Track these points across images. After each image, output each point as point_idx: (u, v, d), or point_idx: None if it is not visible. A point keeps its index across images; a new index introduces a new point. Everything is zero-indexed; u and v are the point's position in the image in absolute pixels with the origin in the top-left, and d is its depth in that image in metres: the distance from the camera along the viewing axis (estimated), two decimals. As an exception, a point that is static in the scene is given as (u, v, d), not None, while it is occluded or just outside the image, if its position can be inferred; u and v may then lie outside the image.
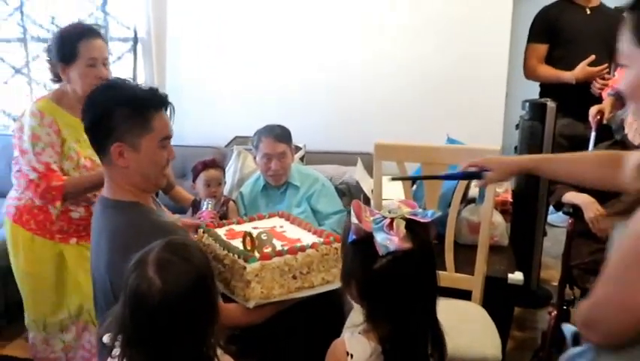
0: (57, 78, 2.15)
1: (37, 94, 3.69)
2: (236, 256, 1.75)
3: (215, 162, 2.78)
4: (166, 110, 1.58)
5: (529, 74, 3.31)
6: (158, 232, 1.45)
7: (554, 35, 3.23)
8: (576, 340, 1.15)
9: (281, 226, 2.06)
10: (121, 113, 1.50)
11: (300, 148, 3.19)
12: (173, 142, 2.95)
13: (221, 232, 2.03)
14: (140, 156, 1.53)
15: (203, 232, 2.02)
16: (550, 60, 3.26)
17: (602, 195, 2.46)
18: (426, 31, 3.34)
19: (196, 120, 3.60)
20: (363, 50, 3.40)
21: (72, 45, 2.01)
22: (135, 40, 3.47)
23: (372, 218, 1.17)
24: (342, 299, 2.46)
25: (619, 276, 0.97)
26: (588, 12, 3.22)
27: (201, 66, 3.60)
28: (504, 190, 3.20)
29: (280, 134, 2.63)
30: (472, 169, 1.72)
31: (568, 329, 1.20)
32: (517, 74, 3.36)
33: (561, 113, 3.14)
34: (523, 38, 3.31)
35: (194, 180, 2.72)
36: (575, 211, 2.44)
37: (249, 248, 1.79)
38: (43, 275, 2.20)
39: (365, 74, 3.43)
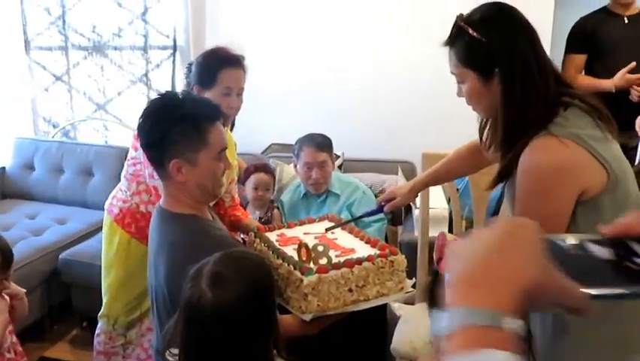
0: None
1: (76, 101, 3.76)
2: (292, 266, 1.77)
3: (266, 167, 2.85)
4: (219, 119, 1.61)
5: (568, 84, 3.30)
6: (218, 246, 1.48)
7: (592, 46, 3.22)
8: None
9: (332, 232, 2.08)
10: (177, 130, 1.53)
11: (338, 156, 3.22)
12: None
13: (272, 236, 2.04)
14: (197, 170, 1.56)
15: (255, 237, 2.05)
16: (590, 71, 3.26)
17: None
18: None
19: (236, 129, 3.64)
20: (404, 55, 3.40)
21: (213, 71, 2.01)
22: (174, 48, 3.52)
23: None
24: (386, 311, 2.49)
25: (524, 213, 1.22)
26: (626, 21, 3.21)
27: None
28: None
29: (321, 142, 2.67)
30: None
31: None
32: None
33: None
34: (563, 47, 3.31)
35: (243, 183, 2.79)
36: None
37: (304, 259, 1.81)
38: (130, 276, 2.23)
39: (404, 80, 3.43)
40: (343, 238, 2.04)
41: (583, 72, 3.29)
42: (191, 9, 3.49)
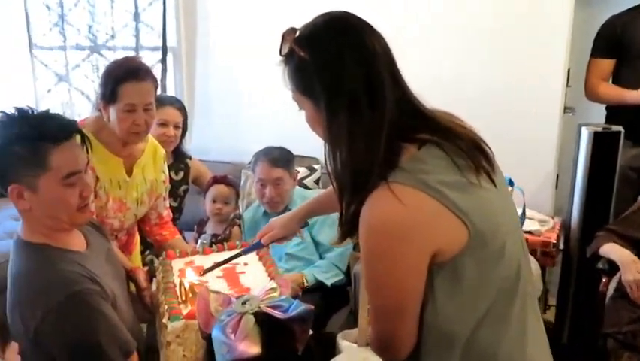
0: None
1: (75, 102, 3.73)
2: (165, 307, 1.56)
3: (226, 179, 2.64)
4: (68, 140, 1.40)
5: (590, 93, 2.85)
6: (56, 285, 1.36)
7: (622, 50, 2.75)
8: None
9: (245, 264, 1.84)
10: (12, 151, 1.36)
11: (315, 170, 2.95)
12: (196, 155, 2.90)
13: (179, 263, 1.86)
14: (40, 196, 1.38)
15: (159, 264, 1.86)
16: (618, 79, 2.80)
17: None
18: (467, 45, 2.96)
19: (222, 134, 3.47)
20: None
21: (113, 86, 1.81)
22: (164, 49, 3.38)
23: (221, 311, 0.92)
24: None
25: (374, 286, 1.03)
26: (665, 21, 2.71)
27: (231, 77, 3.45)
28: (549, 228, 2.78)
29: (277, 158, 2.41)
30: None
31: None
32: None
33: (630, 141, 2.67)
34: (587, 52, 2.87)
35: (204, 195, 2.62)
36: (612, 268, 2.01)
37: (183, 299, 1.60)
38: None
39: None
40: (252, 272, 1.80)
41: (610, 80, 2.82)
42: (183, 9, 3.34)
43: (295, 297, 1.09)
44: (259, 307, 0.93)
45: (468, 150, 1.02)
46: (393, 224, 0.96)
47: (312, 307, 0.93)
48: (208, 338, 1.01)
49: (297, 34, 1.06)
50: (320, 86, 1.01)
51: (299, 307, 0.90)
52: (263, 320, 0.92)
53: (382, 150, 0.98)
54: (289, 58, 1.06)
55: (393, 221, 0.96)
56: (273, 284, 0.99)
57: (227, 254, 1.86)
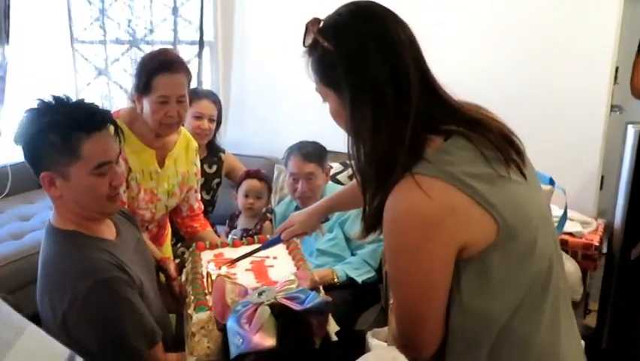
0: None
1: (114, 95, 3.78)
2: (192, 297, 1.55)
3: (258, 173, 2.63)
4: (100, 130, 1.40)
5: (636, 91, 2.74)
6: (85, 271, 1.37)
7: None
8: None
9: (274, 258, 1.82)
10: (46, 139, 1.36)
11: (349, 165, 2.91)
12: (231, 149, 2.90)
13: (208, 256, 1.84)
14: (71, 184, 1.39)
15: (189, 255, 1.86)
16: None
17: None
18: (511, 43, 2.88)
19: (257, 129, 3.46)
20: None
21: (147, 77, 1.82)
22: (201, 43, 3.40)
23: (237, 302, 0.90)
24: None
25: (398, 280, 0.99)
26: None
27: (267, 72, 3.45)
28: (591, 230, 2.68)
29: (310, 153, 2.38)
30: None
31: None
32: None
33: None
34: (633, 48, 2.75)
35: (236, 190, 2.61)
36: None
37: (209, 290, 1.58)
38: None
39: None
40: (281, 265, 1.77)
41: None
42: (220, 4, 3.35)
43: (314, 290, 1.06)
44: (275, 298, 0.90)
45: (497, 142, 0.98)
46: (417, 216, 0.93)
47: (330, 298, 0.90)
48: (223, 329, 0.98)
49: (321, 24, 1.03)
50: (344, 77, 0.98)
51: (315, 299, 0.86)
52: (279, 311, 0.89)
53: (407, 142, 0.95)
54: (313, 49, 1.03)
55: (418, 213, 0.93)
56: (292, 276, 0.96)
57: (252, 249, 1.84)
